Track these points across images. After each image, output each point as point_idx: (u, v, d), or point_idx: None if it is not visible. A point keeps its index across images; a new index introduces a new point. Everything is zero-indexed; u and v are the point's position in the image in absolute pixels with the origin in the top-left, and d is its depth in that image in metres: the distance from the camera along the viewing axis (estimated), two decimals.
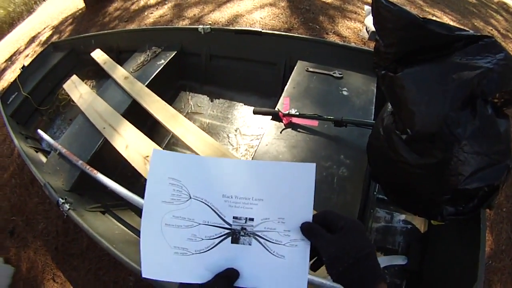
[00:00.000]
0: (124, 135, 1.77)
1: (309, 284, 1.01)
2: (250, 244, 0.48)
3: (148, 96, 1.99)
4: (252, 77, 2.27)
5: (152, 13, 4.38)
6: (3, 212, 2.54)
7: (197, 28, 2.20)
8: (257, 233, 0.48)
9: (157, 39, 2.42)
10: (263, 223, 0.48)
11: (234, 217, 0.48)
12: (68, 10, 5.92)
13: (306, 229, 0.47)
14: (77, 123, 2.01)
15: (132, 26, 4.20)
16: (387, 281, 1.03)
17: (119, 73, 2.23)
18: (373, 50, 1.09)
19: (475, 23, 3.79)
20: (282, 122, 1.50)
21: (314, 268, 0.50)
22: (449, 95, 0.82)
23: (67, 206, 1.44)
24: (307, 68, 1.77)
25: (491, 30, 3.72)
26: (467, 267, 1.02)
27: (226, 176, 0.50)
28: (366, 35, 3.01)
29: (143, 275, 0.46)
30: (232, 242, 0.48)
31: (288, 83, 1.71)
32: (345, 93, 1.61)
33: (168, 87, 2.44)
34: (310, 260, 0.48)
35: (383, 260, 1.34)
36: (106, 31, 2.92)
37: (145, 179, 0.52)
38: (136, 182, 1.95)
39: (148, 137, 1.74)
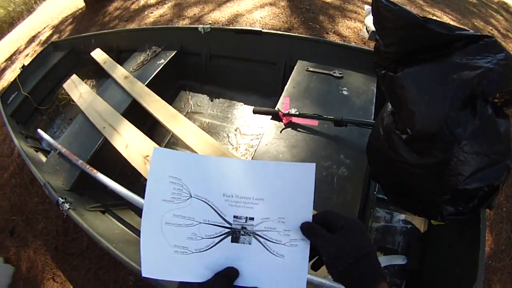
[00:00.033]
0: (124, 134, 1.77)
1: (309, 283, 1.00)
2: (250, 244, 0.48)
3: (148, 95, 1.99)
4: (252, 76, 2.26)
5: (152, 12, 4.38)
6: (3, 211, 2.54)
7: (197, 28, 2.20)
8: (257, 232, 0.48)
9: (157, 39, 2.42)
10: (263, 222, 0.48)
11: (234, 216, 0.49)
12: (68, 9, 5.92)
13: (306, 229, 0.47)
14: (77, 123, 2.01)
15: (132, 26, 4.20)
16: (387, 280, 1.03)
17: (119, 72, 2.22)
18: (373, 49, 1.09)
19: (475, 23, 3.79)
20: (282, 121, 1.50)
21: (315, 267, 0.50)
22: (449, 95, 0.82)
23: (67, 205, 1.44)
24: (307, 68, 1.77)
25: (491, 30, 3.72)
26: (467, 267, 1.01)
27: (226, 175, 0.50)
28: (366, 35, 3.01)
29: (143, 275, 0.46)
30: (232, 241, 0.48)
31: (288, 83, 1.70)
32: (345, 92, 1.61)
33: (168, 86, 2.44)
34: (310, 260, 0.48)
35: (383, 260, 1.34)
36: (106, 31, 2.92)
37: (145, 179, 0.52)
38: (136, 181, 1.95)
39: (148, 136, 1.74)
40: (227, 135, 2.16)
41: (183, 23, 3.89)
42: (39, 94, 2.67)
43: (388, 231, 1.48)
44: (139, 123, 1.85)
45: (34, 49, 5.00)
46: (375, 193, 1.54)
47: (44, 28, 5.77)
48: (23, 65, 2.79)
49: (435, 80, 0.86)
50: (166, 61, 2.24)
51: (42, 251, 2.20)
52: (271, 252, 0.48)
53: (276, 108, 1.52)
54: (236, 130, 2.17)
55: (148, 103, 1.93)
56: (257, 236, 0.48)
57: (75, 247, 2.14)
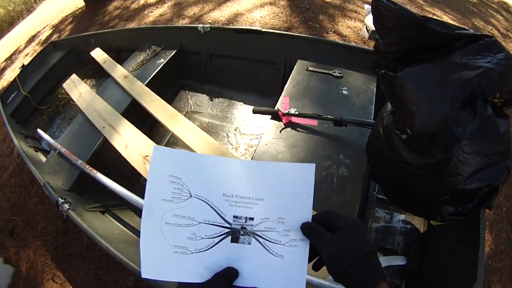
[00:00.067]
0: (123, 134, 1.77)
1: (308, 284, 1.00)
2: (249, 244, 0.48)
3: (147, 95, 1.99)
4: (252, 76, 2.26)
5: (152, 12, 4.37)
6: (3, 211, 2.54)
7: (197, 27, 2.20)
8: (257, 232, 0.48)
9: (157, 38, 2.42)
10: (263, 222, 0.49)
11: (234, 216, 0.49)
12: (68, 9, 5.91)
13: (306, 229, 0.47)
14: (76, 123, 2.01)
15: (132, 25, 4.20)
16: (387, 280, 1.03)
17: (119, 72, 2.22)
18: (373, 49, 1.09)
19: (475, 23, 3.79)
20: (281, 121, 1.49)
21: (315, 268, 0.50)
22: (449, 95, 0.82)
23: (66, 206, 1.44)
24: (307, 67, 1.76)
25: (491, 29, 3.71)
26: (466, 267, 1.01)
27: (227, 175, 0.50)
28: (366, 34, 3.01)
29: (143, 275, 0.45)
30: (232, 241, 0.48)
31: (287, 82, 1.70)
32: (345, 92, 1.61)
33: (168, 86, 2.44)
34: (311, 260, 0.49)
35: (383, 261, 1.34)
36: (106, 30, 2.92)
37: (145, 179, 0.52)
38: (135, 181, 1.95)
39: (148, 136, 1.74)
40: (227, 134, 2.16)
41: (183, 22, 3.88)
42: (38, 93, 2.67)
43: (387, 231, 1.47)
44: (139, 123, 1.85)
45: (34, 49, 5.00)
46: (374, 193, 1.54)
47: (44, 27, 5.76)
48: (23, 65, 2.78)
49: (435, 79, 0.86)
50: (165, 61, 2.24)
51: (42, 251, 2.20)
52: (270, 252, 0.48)
53: (275, 108, 1.52)
54: (235, 130, 2.17)
55: (148, 103, 1.93)
56: (256, 236, 0.48)
57: (74, 248, 2.14)
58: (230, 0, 3.98)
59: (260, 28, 2.02)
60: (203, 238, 0.47)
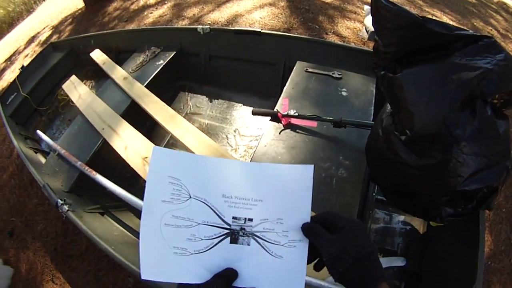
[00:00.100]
0: (123, 136, 1.77)
1: (308, 285, 1.00)
2: (249, 245, 0.48)
3: (147, 96, 1.99)
4: (251, 77, 2.26)
5: (151, 13, 4.38)
6: (2, 213, 2.53)
7: (196, 28, 2.20)
8: (256, 233, 0.48)
9: (156, 39, 2.42)
10: (262, 223, 0.49)
11: (233, 217, 0.49)
12: (67, 10, 5.92)
13: (306, 229, 0.48)
14: (76, 124, 2.01)
15: (132, 26, 4.20)
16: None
17: (118, 73, 2.22)
18: (372, 50, 1.09)
19: (475, 23, 3.79)
20: (281, 123, 1.49)
21: (317, 268, 0.50)
22: (448, 96, 0.82)
23: (66, 207, 1.43)
24: (306, 69, 1.76)
25: (491, 30, 3.72)
26: (466, 268, 1.01)
27: (226, 176, 0.50)
28: (366, 35, 3.01)
29: (142, 277, 0.45)
30: (231, 242, 0.48)
31: (287, 84, 1.70)
32: (344, 93, 1.61)
33: (167, 87, 2.44)
34: (312, 261, 0.49)
35: (382, 262, 1.33)
36: (105, 31, 2.92)
37: (144, 180, 0.52)
38: (135, 183, 1.95)
39: (147, 138, 1.74)
40: (226, 136, 2.16)
41: (183, 23, 3.89)
42: (38, 95, 2.67)
43: (387, 232, 1.47)
44: (138, 124, 1.85)
45: (33, 50, 5.00)
46: (374, 194, 1.54)
47: (44, 28, 5.77)
48: (23, 66, 2.79)
49: (434, 80, 0.86)
50: (165, 62, 2.24)
51: (42, 252, 2.20)
52: (269, 253, 0.48)
53: (275, 109, 1.52)
54: (235, 131, 2.17)
55: (147, 104, 1.93)
56: (256, 237, 0.48)
57: (74, 249, 2.13)
58: (230, 1, 3.98)
59: (259, 29, 2.02)
60: (202, 239, 0.47)
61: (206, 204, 0.48)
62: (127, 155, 1.66)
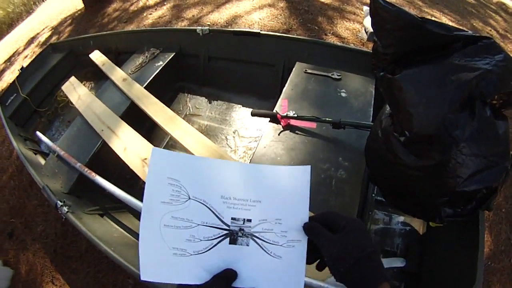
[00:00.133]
0: (122, 137, 1.77)
1: (308, 287, 1.00)
2: (247, 245, 0.48)
3: (146, 98, 1.99)
4: (250, 78, 2.26)
5: (151, 14, 4.38)
6: (2, 214, 2.53)
7: (195, 29, 2.20)
8: (255, 234, 0.49)
9: (156, 41, 2.42)
10: (260, 224, 0.49)
11: (232, 218, 0.49)
12: (67, 11, 5.92)
13: (308, 228, 0.48)
14: (75, 125, 2.01)
15: (131, 27, 4.20)
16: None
17: (118, 74, 2.22)
18: (371, 51, 1.09)
19: (474, 24, 3.80)
20: (280, 124, 1.49)
21: (319, 268, 0.50)
22: (447, 97, 0.82)
23: (65, 208, 1.43)
24: (306, 70, 1.76)
25: (490, 30, 3.73)
26: (466, 269, 1.01)
27: (225, 177, 0.50)
28: (365, 36, 3.01)
29: (142, 278, 0.45)
30: (230, 243, 0.48)
31: (286, 85, 1.70)
32: (343, 94, 1.61)
33: (167, 88, 2.44)
34: (313, 261, 0.49)
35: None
36: (104, 32, 2.92)
37: (143, 182, 0.52)
38: (134, 184, 1.95)
39: (146, 139, 1.74)
40: (226, 137, 2.16)
41: (182, 24, 3.89)
42: (37, 96, 2.67)
43: (386, 233, 1.47)
44: (137, 126, 1.85)
45: (33, 51, 5.00)
46: (373, 195, 1.54)
47: (43, 29, 5.77)
48: (22, 67, 2.78)
49: (433, 81, 0.86)
50: (164, 63, 2.24)
51: (41, 254, 2.20)
52: (268, 253, 0.48)
53: (274, 111, 1.52)
54: (234, 133, 2.17)
55: (147, 106, 1.93)
56: (254, 238, 0.49)
57: (74, 250, 2.13)
58: (229, 2, 3.99)
59: (258, 30, 2.02)
60: (201, 240, 0.48)
61: (205, 205, 0.49)
62: (126, 156, 1.66)
